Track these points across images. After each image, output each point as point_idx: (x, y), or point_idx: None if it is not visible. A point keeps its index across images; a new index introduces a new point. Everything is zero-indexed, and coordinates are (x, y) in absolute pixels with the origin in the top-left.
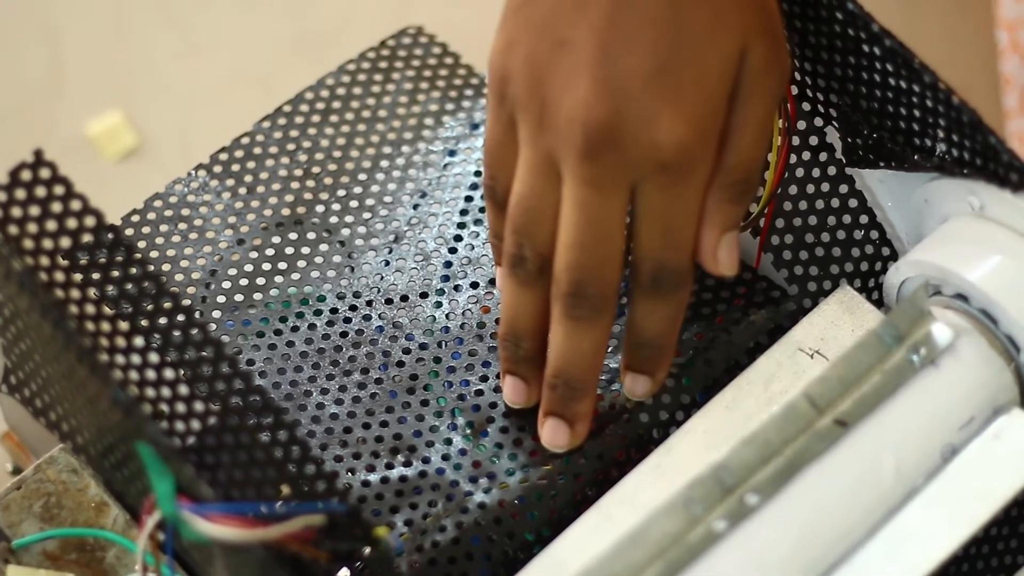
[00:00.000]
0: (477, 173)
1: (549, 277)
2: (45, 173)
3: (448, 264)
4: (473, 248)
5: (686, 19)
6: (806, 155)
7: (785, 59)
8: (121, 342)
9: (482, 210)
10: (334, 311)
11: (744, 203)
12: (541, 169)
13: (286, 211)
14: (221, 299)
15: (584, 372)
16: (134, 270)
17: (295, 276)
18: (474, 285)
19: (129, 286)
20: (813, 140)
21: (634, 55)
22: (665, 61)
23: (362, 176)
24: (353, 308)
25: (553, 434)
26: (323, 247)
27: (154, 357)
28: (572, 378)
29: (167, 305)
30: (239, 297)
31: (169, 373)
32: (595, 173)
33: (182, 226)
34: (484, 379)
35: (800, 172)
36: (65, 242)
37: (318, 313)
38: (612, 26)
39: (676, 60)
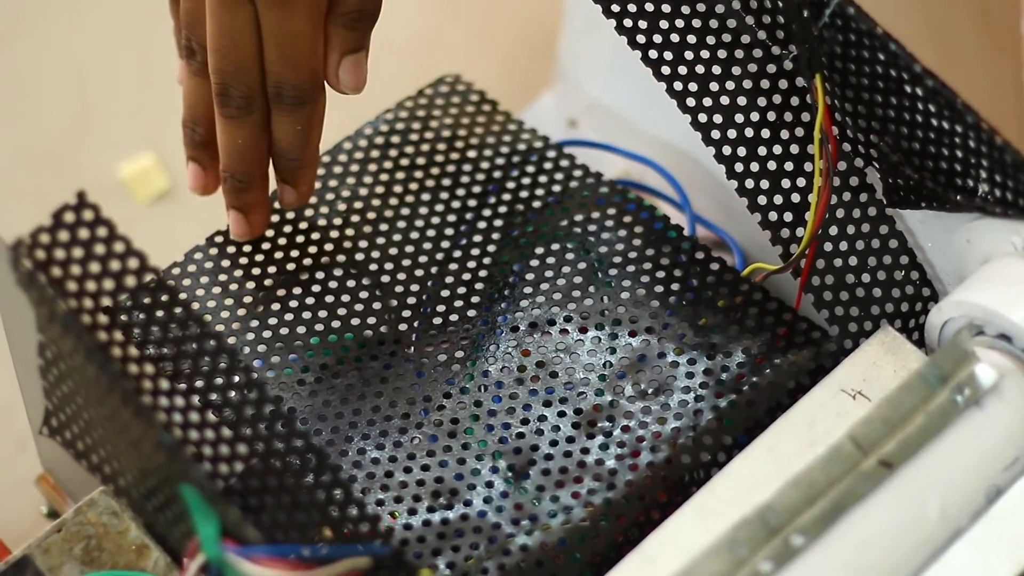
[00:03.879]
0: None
1: None
2: (88, 215)
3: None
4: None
5: None
6: (847, 196)
7: None
8: (165, 385)
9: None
10: (374, 357)
11: (360, 29)
12: None
13: (326, 259)
14: (262, 348)
15: (246, 165)
16: (178, 311)
17: (335, 324)
18: (514, 329)
19: (172, 328)
20: (854, 181)
21: None
22: None
23: (401, 224)
24: (393, 354)
25: (234, 225)
26: (363, 294)
27: (197, 400)
28: (236, 172)
29: (210, 348)
30: (279, 345)
31: (212, 416)
32: None
33: (222, 277)
34: (525, 422)
35: (841, 213)
36: (108, 284)
37: (359, 359)
38: None
39: None
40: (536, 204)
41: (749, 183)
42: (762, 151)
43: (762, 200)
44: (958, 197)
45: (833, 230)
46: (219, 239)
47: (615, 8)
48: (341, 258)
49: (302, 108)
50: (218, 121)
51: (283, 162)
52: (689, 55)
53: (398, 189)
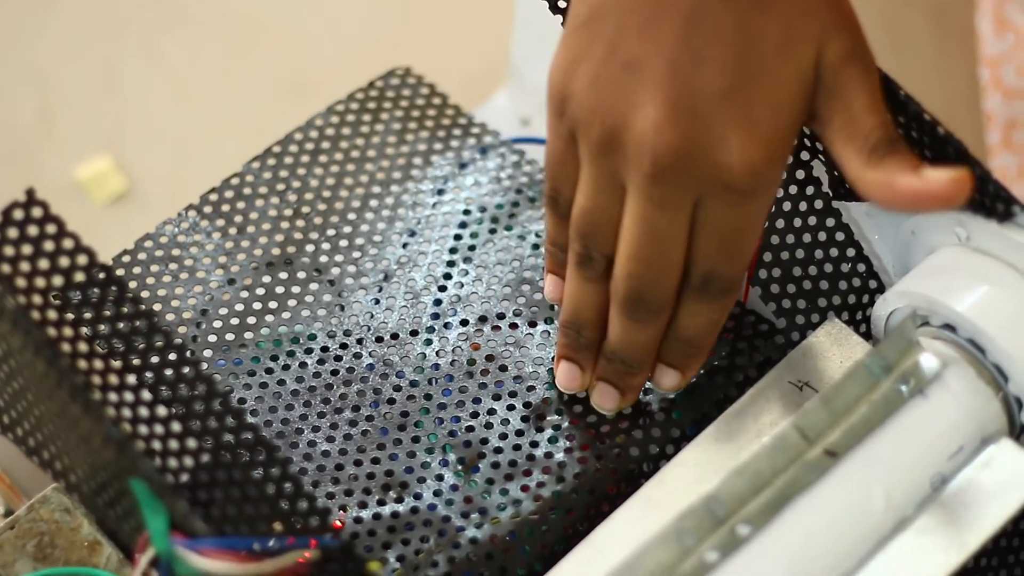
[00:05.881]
0: (466, 211)
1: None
2: (37, 212)
3: (438, 302)
4: (463, 286)
5: (756, 36)
6: (793, 189)
7: (864, 49)
8: (114, 380)
9: (471, 248)
10: (325, 349)
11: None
12: (605, 186)
13: (276, 251)
14: (212, 338)
15: (640, 355)
16: (126, 308)
17: (286, 315)
18: (464, 323)
19: (121, 324)
20: (800, 174)
21: (704, 76)
22: (735, 81)
23: (352, 216)
24: (344, 346)
25: (603, 397)
26: (313, 286)
27: (147, 394)
28: (628, 358)
29: (159, 343)
30: (230, 336)
31: (162, 410)
32: (661, 193)
33: (173, 266)
34: (475, 415)
35: (787, 206)
36: (58, 280)
37: (309, 352)
38: (682, 46)
39: (747, 79)
40: (485, 199)
41: None
42: None
43: None
44: None
45: (780, 223)
46: (168, 227)
47: (561, 3)
48: (292, 249)
49: (726, 297)
50: (619, 320)
51: (681, 348)
52: None
53: (349, 181)
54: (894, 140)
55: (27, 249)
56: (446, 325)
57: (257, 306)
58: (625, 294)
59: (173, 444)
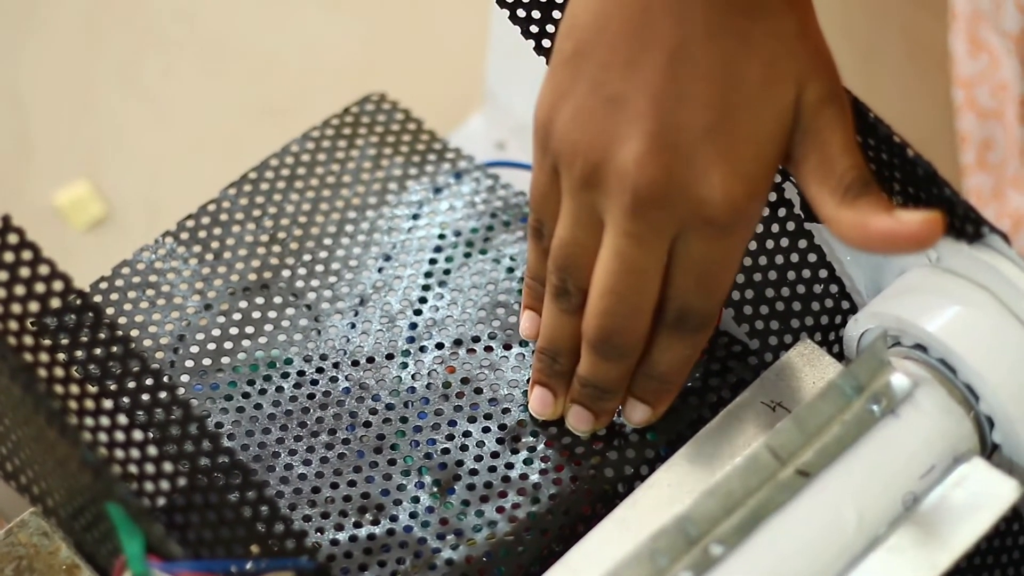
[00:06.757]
0: (441, 236)
1: None
2: (13, 238)
3: (413, 326)
4: (438, 310)
5: (740, 74)
6: (765, 210)
7: (841, 92)
8: (90, 404)
9: (446, 272)
10: (301, 373)
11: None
12: (584, 220)
13: (253, 276)
14: (189, 363)
15: (612, 384)
16: (102, 333)
17: (262, 340)
18: (439, 346)
19: (98, 349)
20: (772, 196)
21: (688, 111)
22: (719, 117)
23: (327, 241)
24: (320, 370)
25: (577, 420)
26: (290, 311)
27: (123, 419)
28: (600, 386)
29: (135, 368)
30: (207, 361)
31: (138, 434)
32: (639, 228)
33: (150, 292)
34: (450, 437)
35: (759, 228)
36: (34, 306)
37: (285, 376)
38: (666, 82)
39: (730, 116)
40: (460, 223)
41: None
42: None
43: None
44: None
45: (752, 244)
46: (145, 254)
47: (533, 29)
48: (268, 275)
49: (699, 333)
50: (589, 356)
51: (653, 384)
52: None
53: (324, 206)
54: (868, 182)
55: (3, 275)
56: (422, 348)
57: (234, 331)
58: (595, 334)
59: (149, 468)
